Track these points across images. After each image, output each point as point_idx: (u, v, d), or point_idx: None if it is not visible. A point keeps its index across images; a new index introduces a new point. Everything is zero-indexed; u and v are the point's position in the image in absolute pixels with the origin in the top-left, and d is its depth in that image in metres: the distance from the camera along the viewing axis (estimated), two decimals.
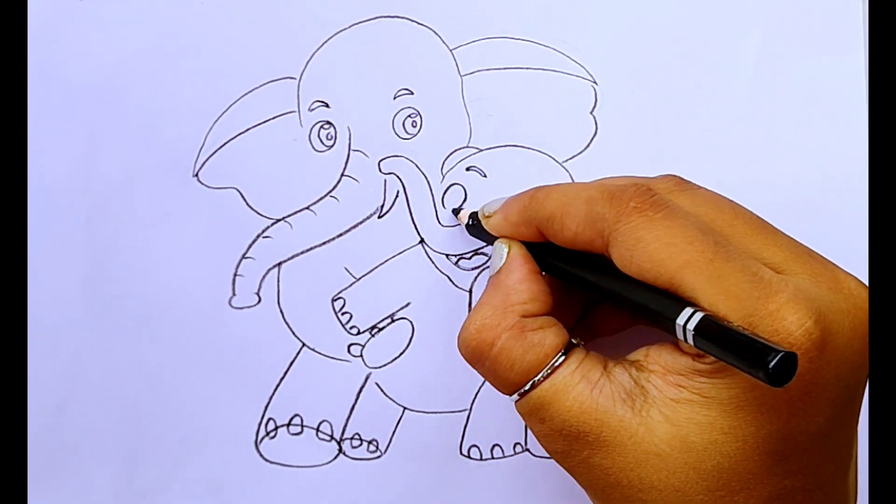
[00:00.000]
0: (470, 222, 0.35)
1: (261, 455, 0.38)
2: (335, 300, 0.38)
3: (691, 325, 0.26)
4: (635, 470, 0.27)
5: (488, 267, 0.36)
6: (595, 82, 0.38)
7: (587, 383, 0.28)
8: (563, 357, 0.29)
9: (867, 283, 0.28)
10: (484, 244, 0.37)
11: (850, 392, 0.27)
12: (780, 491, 0.27)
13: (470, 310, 0.38)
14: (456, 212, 0.37)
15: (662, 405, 0.27)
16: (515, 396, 0.30)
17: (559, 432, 0.28)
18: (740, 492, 0.27)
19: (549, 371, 0.29)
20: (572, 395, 0.28)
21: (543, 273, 0.32)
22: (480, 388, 0.38)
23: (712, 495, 0.27)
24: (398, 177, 0.37)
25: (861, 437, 0.36)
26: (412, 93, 0.37)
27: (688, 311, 0.26)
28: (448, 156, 0.37)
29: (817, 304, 0.26)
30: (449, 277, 0.38)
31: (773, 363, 0.23)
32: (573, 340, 0.30)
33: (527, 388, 0.29)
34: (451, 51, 0.37)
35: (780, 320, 0.25)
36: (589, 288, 0.30)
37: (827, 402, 0.27)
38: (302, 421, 0.38)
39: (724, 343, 0.25)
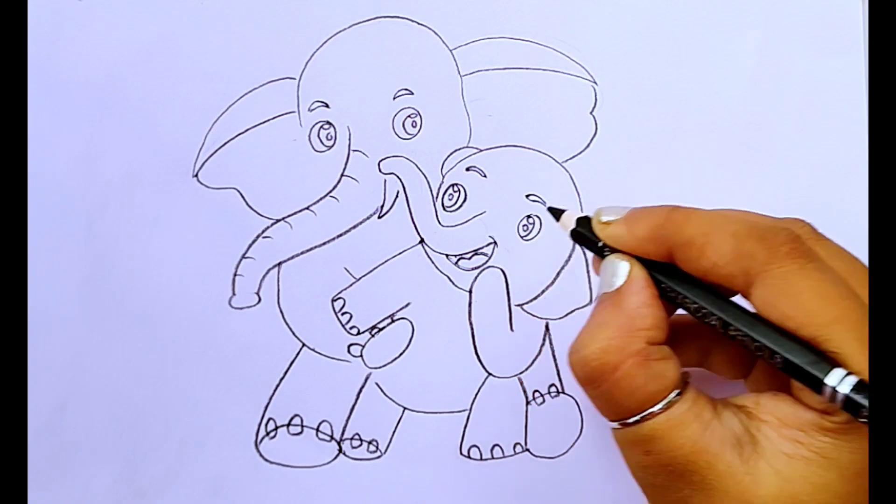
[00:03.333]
0: (576, 227, 0.32)
1: (261, 455, 0.38)
2: (335, 300, 0.38)
3: (844, 388, 0.25)
4: None
5: (603, 285, 0.31)
6: (595, 82, 0.38)
7: (700, 423, 0.27)
8: (678, 393, 0.28)
9: (867, 285, 0.28)
10: (485, 244, 0.37)
11: None
12: None
13: (470, 310, 0.38)
14: (555, 213, 0.32)
15: (774, 458, 0.26)
16: (617, 424, 0.29)
17: (664, 467, 0.28)
18: None
19: (666, 405, 0.28)
20: (686, 433, 0.27)
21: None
22: (480, 388, 0.38)
23: None
24: (398, 177, 0.37)
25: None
26: (412, 93, 0.37)
27: (839, 371, 0.25)
28: (448, 156, 0.37)
29: None
30: (449, 277, 0.38)
31: None
32: (685, 374, 0.29)
33: (636, 418, 0.28)
34: (451, 51, 0.37)
35: None
36: (716, 324, 0.29)
37: None
38: (302, 421, 0.38)
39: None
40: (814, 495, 0.26)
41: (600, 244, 0.31)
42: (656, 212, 0.30)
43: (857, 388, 0.25)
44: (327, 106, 0.37)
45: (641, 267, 0.29)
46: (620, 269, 0.30)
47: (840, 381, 0.25)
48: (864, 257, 0.36)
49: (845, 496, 0.26)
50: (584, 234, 0.31)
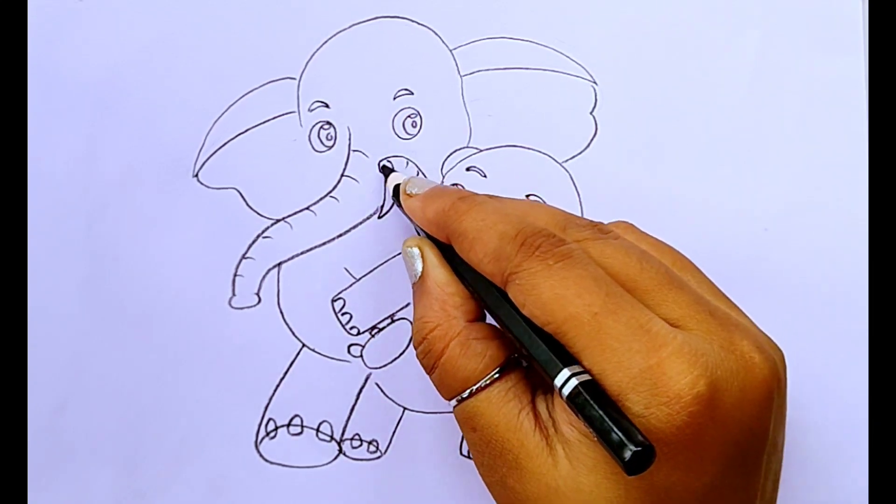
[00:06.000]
0: (394, 193, 0.35)
1: (261, 455, 0.38)
2: (335, 300, 0.38)
3: (566, 391, 0.26)
4: (538, 502, 0.27)
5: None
6: (595, 82, 0.38)
7: (517, 404, 0.29)
8: (499, 372, 0.30)
9: (867, 294, 0.28)
10: None
11: (744, 455, 0.27)
12: None
13: None
14: (385, 172, 0.36)
15: (563, 442, 0.27)
16: (454, 402, 0.30)
17: (488, 444, 0.29)
18: None
19: (487, 382, 0.29)
20: (503, 412, 0.29)
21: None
22: None
23: None
24: None
25: (860, 437, 0.36)
26: (412, 93, 0.37)
27: (565, 373, 0.26)
28: (448, 156, 0.37)
29: (705, 360, 0.26)
30: None
31: (629, 457, 0.23)
32: (516, 356, 0.30)
33: (465, 395, 0.30)
34: (451, 51, 0.37)
35: (661, 374, 0.25)
36: (488, 310, 0.30)
37: (713, 461, 0.26)
38: (302, 421, 0.38)
39: (591, 418, 0.25)
40: (588, 476, 0.27)
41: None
42: (447, 196, 0.32)
43: (575, 393, 0.25)
44: (327, 106, 0.37)
45: (433, 247, 0.32)
46: (415, 255, 0.32)
47: (564, 383, 0.26)
48: (864, 257, 0.36)
49: (614, 476, 0.26)
50: (397, 199, 0.34)
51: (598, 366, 0.26)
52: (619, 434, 0.24)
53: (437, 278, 0.31)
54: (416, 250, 0.32)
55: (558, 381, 0.26)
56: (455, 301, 0.31)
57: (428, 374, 0.31)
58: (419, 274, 0.32)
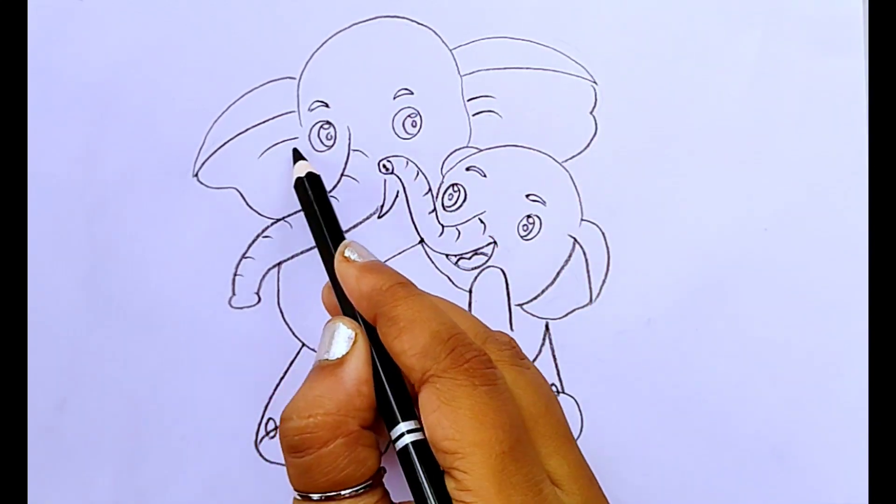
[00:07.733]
0: (303, 181, 0.35)
1: (261, 455, 0.38)
2: None
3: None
4: None
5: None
6: (595, 82, 0.38)
7: None
8: (370, 484, 0.29)
9: (867, 294, 0.28)
10: (485, 244, 0.37)
11: None
12: None
13: (470, 310, 0.38)
14: (296, 156, 0.35)
15: None
16: (297, 495, 0.29)
17: None
18: None
19: (360, 490, 0.28)
20: None
21: None
22: None
23: None
24: (398, 177, 0.37)
25: (860, 437, 0.36)
26: (412, 93, 0.37)
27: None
28: (448, 156, 0.37)
29: None
30: (449, 277, 0.38)
31: None
32: (382, 469, 0.30)
33: (319, 496, 0.29)
34: (451, 51, 0.37)
35: None
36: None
37: None
38: None
39: None
40: None
41: (314, 209, 0.33)
42: (386, 276, 0.30)
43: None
44: (327, 106, 0.37)
45: (366, 339, 0.30)
46: (343, 336, 0.30)
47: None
48: (864, 258, 0.36)
49: None
50: (304, 190, 0.34)
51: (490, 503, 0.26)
52: None
53: (359, 373, 0.29)
54: (349, 331, 0.30)
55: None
56: (364, 403, 0.29)
57: (290, 453, 0.29)
58: (337, 355, 0.30)
